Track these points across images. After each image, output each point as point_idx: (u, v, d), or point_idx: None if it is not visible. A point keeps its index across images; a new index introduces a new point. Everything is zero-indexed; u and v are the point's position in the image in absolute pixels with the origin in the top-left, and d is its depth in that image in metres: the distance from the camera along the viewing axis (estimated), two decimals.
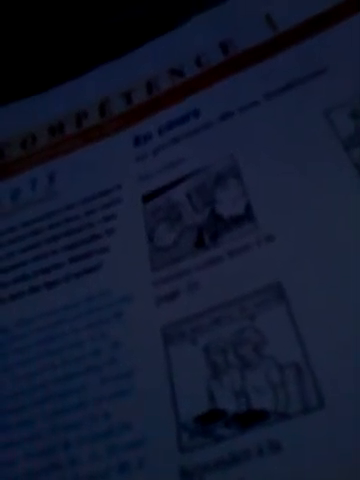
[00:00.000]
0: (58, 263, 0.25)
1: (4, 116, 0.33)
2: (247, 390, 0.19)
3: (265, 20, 0.30)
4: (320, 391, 0.18)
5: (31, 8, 0.37)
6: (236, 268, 0.22)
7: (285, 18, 0.29)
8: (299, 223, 0.22)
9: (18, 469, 0.20)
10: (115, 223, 0.26)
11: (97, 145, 0.29)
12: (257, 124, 0.26)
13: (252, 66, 0.28)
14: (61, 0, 0.37)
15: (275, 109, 0.26)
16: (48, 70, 0.34)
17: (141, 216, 0.25)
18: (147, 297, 0.22)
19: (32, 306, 0.24)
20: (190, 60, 0.31)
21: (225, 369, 0.19)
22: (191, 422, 0.19)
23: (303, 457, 0.17)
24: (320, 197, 0.22)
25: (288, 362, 0.18)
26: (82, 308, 0.23)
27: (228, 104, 0.27)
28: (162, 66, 0.31)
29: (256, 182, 0.24)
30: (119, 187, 0.27)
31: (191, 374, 0.20)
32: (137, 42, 0.33)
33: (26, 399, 0.22)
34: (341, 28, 0.27)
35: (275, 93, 0.26)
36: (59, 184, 0.29)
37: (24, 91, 0.34)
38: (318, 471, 0.16)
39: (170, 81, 0.30)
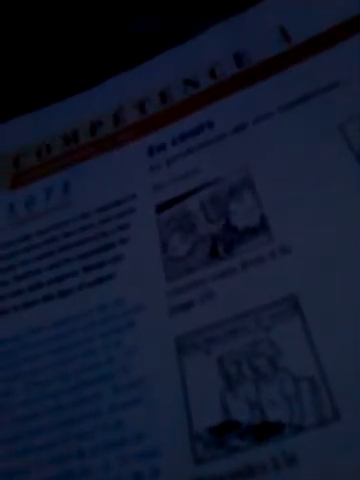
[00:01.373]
0: (72, 272, 0.26)
1: (19, 126, 0.33)
2: (262, 402, 0.19)
3: (279, 32, 0.30)
4: (335, 403, 0.18)
5: (48, 19, 0.38)
6: (251, 279, 0.22)
7: (299, 31, 0.29)
8: (314, 235, 0.22)
9: (31, 477, 0.20)
10: (129, 232, 0.26)
11: (111, 154, 0.30)
12: (271, 136, 0.26)
13: (266, 78, 0.28)
14: (78, 11, 0.37)
15: (289, 121, 0.26)
16: (63, 80, 0.35)
17: (155, 226, 0.25)
18: (161, 307, 0.23)
19: (46, 314, 0.25)
20: (204, 71, 0.31)
21: (239, 380, 0.19)
22: (205, 433, 0.19)
23: (319, 470, 0.17)
24: (334, 208, 0.22)
25: (303, 374, 0.19)
26: (96, 317, 0.23)
27: (242, 116, 0.27)
28: (176, 77, 0.31)
29: (270, 194, 0.24)
30: (133, 197, 0.27)
31: (205, 385, 0.20)
32: (152, 53, 0.33)
33: (38, 407, 0.22)
34: (355, 41, 0.28)
35: (289, 105, 0.27)
36: (73, 193, 0.29)
37: (39, 101, 0.34)
38: None
39: (184, 92, 0.30)
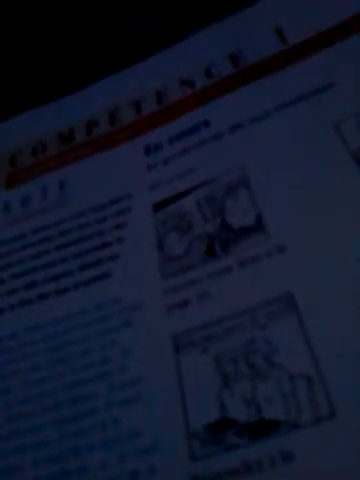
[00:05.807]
0: (68, 270, 0.26)
1: (15, 125, 0.34)
2: (258, 399, 0.19)
3: (275, 33, 0.30)
4: (331, 401, 0.18)
5: (44, 19, 0.38)
6: (247, 278, 0.22)
7: (295, 31, 0.29)
8: (310, 234, 0.22)
9: (26, 475, 0.20)
10: (125, 231, 0.26)
11: (107, 153, 0.30)
12: (267, 135, 0.26)
13: (262, 78, 0.28)
14: (75, 11, 0.37)
15: (285, 121, 0.26)
16: (59, 79, 0.35)
17: (151, 225, 0.25)
18: (157, 305, 0.23)
19: (42, 313, 0.25)
20: (200, 71, 0.31)
21: (236, 378, 0.19)
22: (202, 430, 0.19)
23: (315, 467, 0.17)
24: (330, 208, 0.22)
25: (299, 372, 0.19)
26: (92, 315, 0.23)
27: (238, 115, 0.27)
28: (172, 76, 0.31)
29: (266, 193, 0.24)
30: (130, 196, 0.27)
31: (201, 383, 0.20)
32: (148, 52, 0.33)
33: (35, 405, 0.22)
34: (350, 42, 0.28)
35: (285, 105, 0.27)
36: (69, 192, 0.29)
37: (35, 100, 0.34)
38: None
39: (180, 91, 0.31)
